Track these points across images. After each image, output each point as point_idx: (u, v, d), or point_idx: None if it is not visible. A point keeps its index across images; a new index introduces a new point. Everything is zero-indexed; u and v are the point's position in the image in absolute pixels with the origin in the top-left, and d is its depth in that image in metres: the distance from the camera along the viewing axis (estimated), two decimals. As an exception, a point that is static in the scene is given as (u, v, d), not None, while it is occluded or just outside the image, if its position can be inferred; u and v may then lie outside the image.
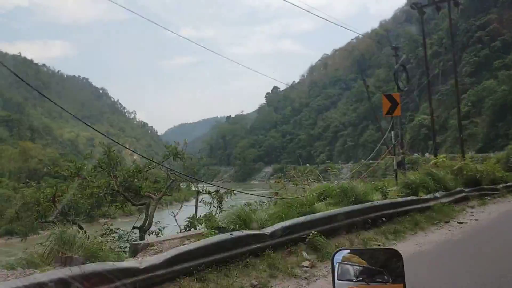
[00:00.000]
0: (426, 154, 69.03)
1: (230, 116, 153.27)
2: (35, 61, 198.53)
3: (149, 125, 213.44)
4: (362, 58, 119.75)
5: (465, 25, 74.65)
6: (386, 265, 1.51)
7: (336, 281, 1.50)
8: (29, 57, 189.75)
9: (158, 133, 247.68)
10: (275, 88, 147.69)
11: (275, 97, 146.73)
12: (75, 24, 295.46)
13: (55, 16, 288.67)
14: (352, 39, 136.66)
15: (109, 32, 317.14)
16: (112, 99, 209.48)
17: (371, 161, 65.39)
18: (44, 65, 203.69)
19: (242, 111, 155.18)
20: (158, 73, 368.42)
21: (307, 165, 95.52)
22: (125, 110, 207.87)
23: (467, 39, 73.55)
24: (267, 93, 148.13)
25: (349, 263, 1.53)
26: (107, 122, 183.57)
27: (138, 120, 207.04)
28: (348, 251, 1.56)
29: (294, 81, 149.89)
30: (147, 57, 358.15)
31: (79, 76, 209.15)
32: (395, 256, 1.52)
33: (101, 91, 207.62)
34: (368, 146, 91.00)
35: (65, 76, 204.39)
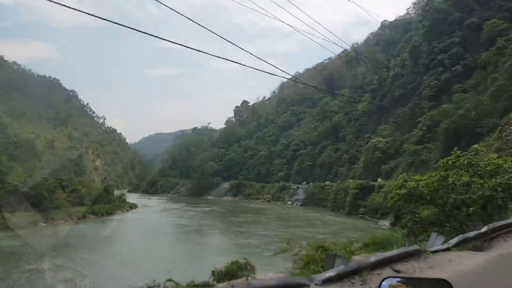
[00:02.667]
0: (379, 179, 65.08)
1: (196, 127, 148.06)
2: (5, 58, 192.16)
3: (119, 131, 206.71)
4: (330, 78, 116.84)
5: (428, 47, 71.60)
6: None
7: None
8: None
9: (133, 141, 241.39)
10: (245, 102, 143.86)
11: (244, 111, 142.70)
12: (59, 26, 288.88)
13: (41, 17, 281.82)
14: (325, 60, 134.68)
15: (92, 37, 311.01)
16: (82, 102, 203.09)
17: (325, 183, 59.87)
18: (14, 62, 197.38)
19: (209, 123, 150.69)
20: (138, 82, 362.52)
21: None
22: (94, 115, 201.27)
23: (429, 61, 70.34)
24: (236, 107, 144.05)
25: None
26: (71, 126, 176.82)
27: (106, 126, 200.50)
28: (397, 279, 1.50)
29: (264, 97, 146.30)
30: (128, 65, 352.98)
31: (49, 77, 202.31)
32: (445, 286, 1.50)
33: (70, 93, 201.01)
34: (325, 167, 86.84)
35: (36, 75, 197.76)
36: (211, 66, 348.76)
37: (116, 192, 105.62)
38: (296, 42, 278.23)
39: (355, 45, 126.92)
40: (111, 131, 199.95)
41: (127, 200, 78.12)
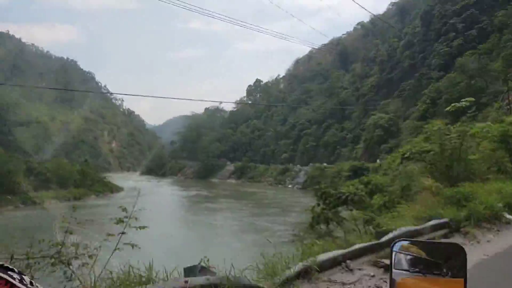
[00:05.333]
0: (378, 160, 57.95)
1: (208, 108, 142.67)
2: (23, 40, 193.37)
3: (137, 113, 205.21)
4: (345, 52, 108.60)
5: (440, 10, 62.94)
6: (447, 259, 1.39)
7: (393, 270, 1.40)
8: (27, 39, 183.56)
9: (157, 124, 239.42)
10: (258, 81, 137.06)
11: (256, 91, 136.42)
12: (86, 10, 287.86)
13: (67, 1, 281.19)
14: (343, 34, 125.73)
15: (118, 20, 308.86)
16: (99, 84, 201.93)
17: (323, 164, 53.32)
18: (32, 45, 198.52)
19: (220, 103, 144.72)
20: (163, 64, 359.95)
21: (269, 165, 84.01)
22: (112, 96, 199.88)
23: (441, 26, 61.78)
24: (249, 86, 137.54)
25: (406, 252, 1.43)
26: (87, 107, 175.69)
27: (124, 108, 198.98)
28: (408, 242, 1.54)
29: (278, 75, 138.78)
30: (153, 48, 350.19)
31: (67, 58, 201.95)
32: (458, 250, 1.39)
33: (88, 75, 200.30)
34: (329, 147, 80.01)
35: (53, 57, 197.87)
36: (235, 47, 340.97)
37: (129, 175, 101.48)
38: (323, 20, 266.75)
39: (373, 16, 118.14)
40: (129, 113, 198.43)
41: (115, 183, 74.13)
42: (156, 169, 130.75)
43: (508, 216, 9.80)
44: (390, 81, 70.84)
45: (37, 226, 35.26)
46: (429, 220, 8.56)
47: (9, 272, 0.79)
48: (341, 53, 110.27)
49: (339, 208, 11.49)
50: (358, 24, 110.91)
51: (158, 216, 43.42)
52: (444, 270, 1.35)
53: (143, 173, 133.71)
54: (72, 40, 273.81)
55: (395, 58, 72.09)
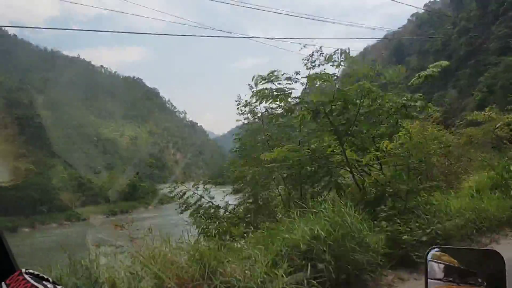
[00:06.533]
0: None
1: (263, 113, 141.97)
2: (93, 63, 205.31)
3: (199, 124, 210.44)
4: (399, 46, 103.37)
5: (497, -11, 57.40)
6: (484, 266, 1.40)
7: (428, 280, 1.44)
8: (106, 62, 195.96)
9: (221, 134, 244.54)
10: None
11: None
12: (151, 30, 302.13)
13: (133, 24, 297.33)
14: (399, 28, 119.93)
15: (180, 38, 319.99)
16: (163, 99, 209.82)
17: None
18: (101, 66, 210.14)
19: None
20: (227, 75, 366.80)
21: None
22: (175, 110, 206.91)
23: (498, 6, 56.13)
24: (304, 89, 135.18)
25: (438, 261, 1.45)
26: (153, 122, 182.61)
27: (187, 120, 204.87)
28: (440, 249, 1.50)
29: (334, 73, 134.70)
30: (215, 60, 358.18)
31: (133, 77, 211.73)
32: (495, 258, 1.38)
33: (153, 91, 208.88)
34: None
35: (121, 77, 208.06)
36: (293, 52, 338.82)
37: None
38: (383, 16, 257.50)
39: (428, 4, 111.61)
40: (192, 125, 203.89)
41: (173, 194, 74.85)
42: (215, 178, 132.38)
43: None
44: (446, 71, 65.60)
45: (60, 244, 35.62)
46: None
47: (43, 282, 0.80)
48: (396, 47, 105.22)
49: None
50: (412, 15, 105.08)
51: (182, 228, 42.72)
52: (479, 280, 1.25)
53: (205, 183, 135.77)
54: (137, 60, 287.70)
55: (451, 47, 66.88)
